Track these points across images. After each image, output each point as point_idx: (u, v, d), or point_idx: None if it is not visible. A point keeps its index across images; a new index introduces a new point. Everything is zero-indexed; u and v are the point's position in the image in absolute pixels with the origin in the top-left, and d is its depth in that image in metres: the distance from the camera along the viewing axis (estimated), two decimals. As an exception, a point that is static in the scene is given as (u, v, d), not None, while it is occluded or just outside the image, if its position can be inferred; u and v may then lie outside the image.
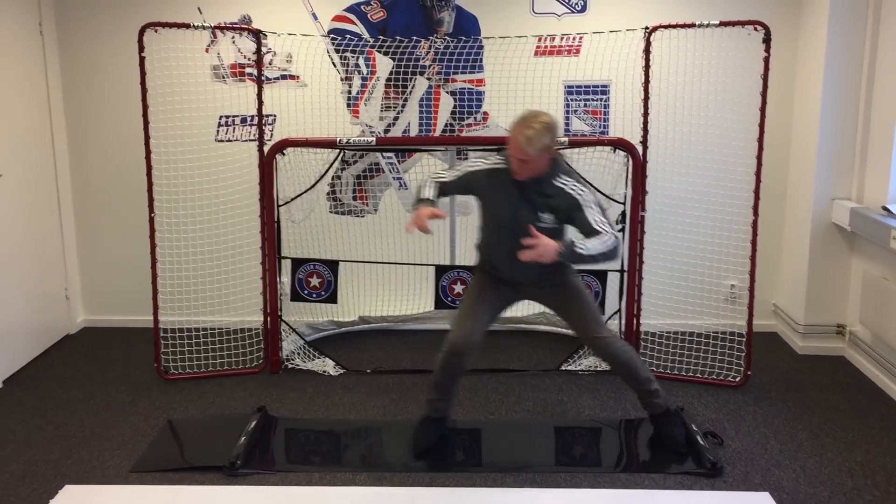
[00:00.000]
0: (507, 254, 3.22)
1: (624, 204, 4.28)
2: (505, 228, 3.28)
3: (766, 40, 3.95)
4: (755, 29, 3.98)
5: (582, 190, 3.21)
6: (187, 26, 4.13)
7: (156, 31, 4.12)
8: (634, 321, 4.35)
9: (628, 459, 3.50)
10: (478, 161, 3.39)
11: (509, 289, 3.48)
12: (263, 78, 4.34)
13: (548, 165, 3.17)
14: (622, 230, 4.29)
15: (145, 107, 4.11)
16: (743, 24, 3.99)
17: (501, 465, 3.41)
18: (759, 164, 4.06)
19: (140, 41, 4.05)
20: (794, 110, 4.74)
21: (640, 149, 4.21)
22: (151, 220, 4.23)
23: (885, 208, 4.07)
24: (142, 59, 4.07)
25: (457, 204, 4.68)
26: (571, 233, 3.28)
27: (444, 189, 3.43)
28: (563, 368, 4.43)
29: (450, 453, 3.54)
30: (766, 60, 3.97)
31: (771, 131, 4.25)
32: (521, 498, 3.15)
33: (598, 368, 4.40)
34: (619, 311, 4.40)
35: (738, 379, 4.22)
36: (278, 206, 4.38)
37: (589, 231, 3.16)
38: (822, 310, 4.62)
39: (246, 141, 4.77)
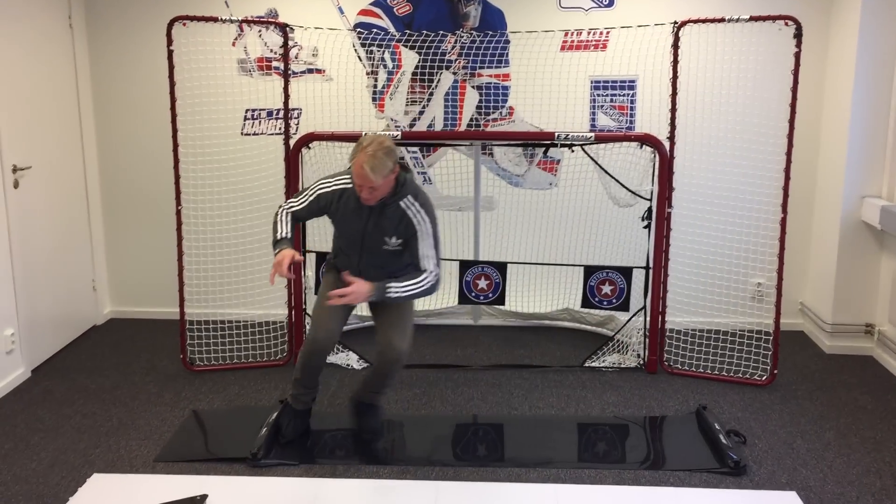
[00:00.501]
0: (354, 266, 3.40)
1: (650, 200, 4.25)
2: (354, 245, 3.40)
3: (798, 35, 3.90)
4: (786, 24, 3.93)
5: (423, 218, 3.29)
6: (215, 20, 4.15)
7: (184, 24, 4.14)
8: (660, 318, 4.32)
9: (653, 457, 3.48)
10: (325, 182, 3.40)
11: None
12: (290, 72, 4.35)
13: (393, 186, 3.24)
14: (648, 227, 4.26)
15: (173, 100, 4.14)
16: (774, 18, 3.94)
17: (524, 460, 3.40)
18: (789, 161, 4.01)
19: (168, 34, 4.08)
20: (824, 106, 4.68)
21: (667, 145, 4.17)
22: (178, 213, 4.26)
23: (916, 206, 4.02)
24: (170, 53, 4.10)
25: (482, 199, 4.68)
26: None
27: (298, 216, 3.47)
28: (586, 365, 4.41)
29: (472, 448, 3.54)
30: (797, 56, 3.92)
31: (800, 128, 4.20)
32: (543, 493, 3.14)
33: (623, 366, 4.38)
34: (644, 308, 4.37)
35: (764, 378, 4.18)
36: (303, 199, 4.40)
37: (416, 262, 3.30)
38: (851, 309, 4.56)
39: (272, 134, 4.79)
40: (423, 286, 3.26)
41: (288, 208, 3.46)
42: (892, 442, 3.56)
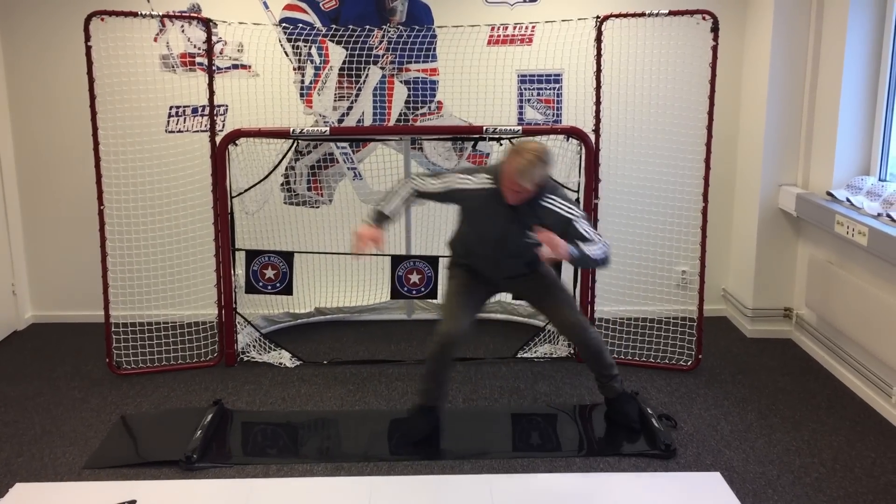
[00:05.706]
0: (491, 261, 3.42)
1: (578, 192, 4.32)
2: (489, 242, 3.40)
3: (714, 29, 4.02)
4: (703, 18, 4.04)
5: (570, 208, 3.31)
6: (135, 15, 4.05)
7: (102, 19, 4.04)
8: (589, 308, 4.40)
9: (584, 444, 3.55)
10: (464, 178, 3.37)
11: (489, 283, 3.62)
12: (214, 68, 4.27)
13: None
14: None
15: (92, 97, 4.03)
16: (692, 13, 4.06)
17: (459, 452, 3.43)
18: (709, 152, 4.13)
19: (86, 30, 3.97)
20: (742, 98, 4.83)
21: (592, 137, 4.25)
22: (101, 213, 4.15)
23: (829, 194, 4.17)
24: (88, 49, 3.99)
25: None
26: None
27: (423, 196, 3.47)
28: (519, 356, 4.47)
29: (407, 442, 3.55)
30: (715, 49, 4.04)
31: (719, 119, 4.32)
32: (478, 484, 3.18)
33: (554, 356, 4.45)
34: (574, 297, 4.45)
35: (689, 363, 4.30)
36: (231, 197, 4.33)
37: (583, 241, 3.29)
38: (770, 294, 4.73)
39: (197, 132, 4.70)
40: (604, 249, 3.27)
41: (416, 185, 3.42)
42: (810, 421, 3.71)
